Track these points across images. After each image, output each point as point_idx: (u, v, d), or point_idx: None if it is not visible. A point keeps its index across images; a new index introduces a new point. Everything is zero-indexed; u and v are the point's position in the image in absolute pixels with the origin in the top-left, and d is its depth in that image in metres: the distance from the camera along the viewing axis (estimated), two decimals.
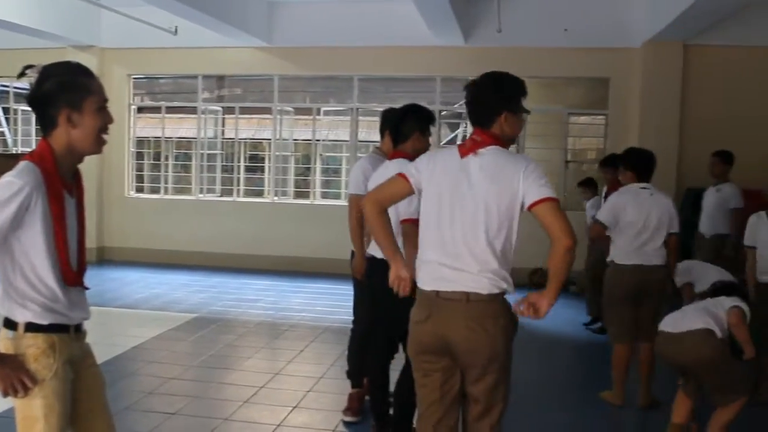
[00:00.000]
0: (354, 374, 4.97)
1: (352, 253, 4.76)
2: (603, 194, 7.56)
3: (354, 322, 5.02)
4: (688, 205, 8.82)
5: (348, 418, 4.81)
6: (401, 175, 3.12)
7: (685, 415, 4.42)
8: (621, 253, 5.23)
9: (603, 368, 5.85)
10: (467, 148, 3.01)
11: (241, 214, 10.94)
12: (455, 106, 11.89)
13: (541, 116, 10.66)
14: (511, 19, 9.65)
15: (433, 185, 3.04)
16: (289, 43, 10.53)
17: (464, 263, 2.95)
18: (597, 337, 7.34)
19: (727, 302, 4.40)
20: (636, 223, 5.15)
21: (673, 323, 4.43)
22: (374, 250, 4.16)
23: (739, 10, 8.56)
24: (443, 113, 10.77)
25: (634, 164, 5.35)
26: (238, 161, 11.50)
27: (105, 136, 2.51)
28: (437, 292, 2.97)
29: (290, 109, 11.61)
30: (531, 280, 9.80)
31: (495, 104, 3.00)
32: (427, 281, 3.02)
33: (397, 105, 4.67)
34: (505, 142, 3.05)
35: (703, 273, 5.74)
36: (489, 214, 2.93)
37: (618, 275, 5.23)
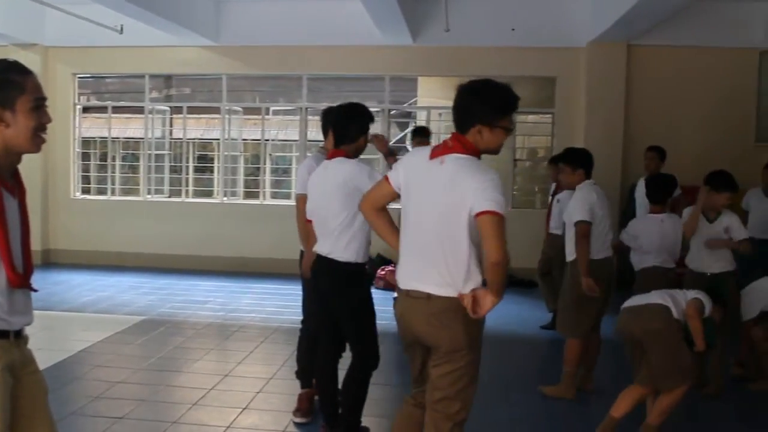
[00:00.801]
0: (303, 374, 4.96)
1: (302, 252, 4.76)
2: (551, 192, 7.69)
3: (303, 321, 5.02)
4: (633, 199, 9.00)
5: (298, 419, 4.80)
6: (386, 177, 3.29)
7: (624, 411, 4.52)
8: (595, 249, 5.37)
9: (553, 364, 5.95)
10: (438, 152, 3.09)
11: (190, 215, 10.83)
12: (404, 105, 11.97)
13: None
14: (459, 19, 9.72)
15: (404, 186, 3.19)
16: (237, 41, 10.46)
17: (426, 265, 3.08)
18: (549, 334, 7.45)
19: (690, 294, 4.60)
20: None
21: (636, 300, 4.72)
22: (320, 248, 4.20)
23: (678, 12, 8.79)
24: (392, 112, 10.80)
25: (584, 162, 5.52)
26: (187, 162, 11.36)
27: (44, 136, 2.46)
28: (407, 291, 3.16)
29: (239, 108, 11.52)
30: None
31: (471, 113, 3.05)
32: (400, 280, 3.22)
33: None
34: (479, 152, 3.08)
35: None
36: (445, 222, 3.02)
37: (596, 271, 5.33)
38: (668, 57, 9.86)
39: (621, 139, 9.58)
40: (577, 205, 5.39)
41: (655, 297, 4.62)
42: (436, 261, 3.06)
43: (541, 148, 11.10)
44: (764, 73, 9.81)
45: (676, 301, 4.54)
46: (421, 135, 8.47)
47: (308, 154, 10.09)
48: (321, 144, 5.03)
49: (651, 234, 5.61)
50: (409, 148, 12.61)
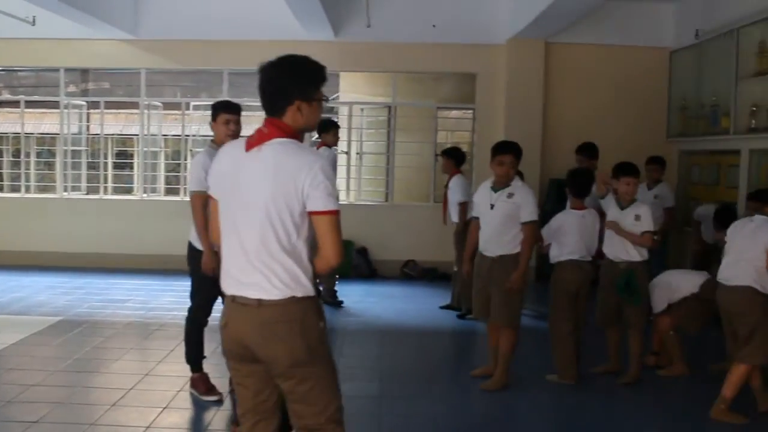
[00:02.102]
0: (193, 360, 5.23)
1: (192, 248, 4.98)
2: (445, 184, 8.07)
3: (192, 312, 5.18)
4: (553, 194, 9.25)
5: (212, 398, 5.05)
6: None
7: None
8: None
9: (473, 356, 6.06)
10: (253, 141, 2.82)
11: (108, 212, 10.58)
12: (328, 100, 11.94)
13: (411, 111, 10.88)
14: (381, 14, 9.78)
15: (218, 186, 2.93)
16: (155, 35, 10.26)
17: (254, 267, 2.78)
18: (467, 325, 7.58)
19: None
20: None
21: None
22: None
23: (594, 11, 9.04)
24: None
25: (519, 157, 5.63)
26: (105, 158, 11.10)
27: None
28: (233, 297, 2.85)
29: (159, 103, 11.31)
30: (402, 272, 10.01)
31: (288, 91, 2.81)
32: (225, 285, 2.90)
33: None
34: (298, 133, 2.85)
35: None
36: (272, 216, 2.74)
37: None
38: (585, 54, 10.14)
39: (540, 135, 9.79)
40: (532, 201, 5.54)
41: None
42: (264, 262, 2.77)
43: (463, 143, 11.24)
44: (675, 71, 10.17)
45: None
46: (335, 127, 8.46)
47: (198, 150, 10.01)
48: (212, 138, 5.00)
49: (572, 228, 5.75)
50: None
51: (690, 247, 8.54)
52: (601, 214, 5.96)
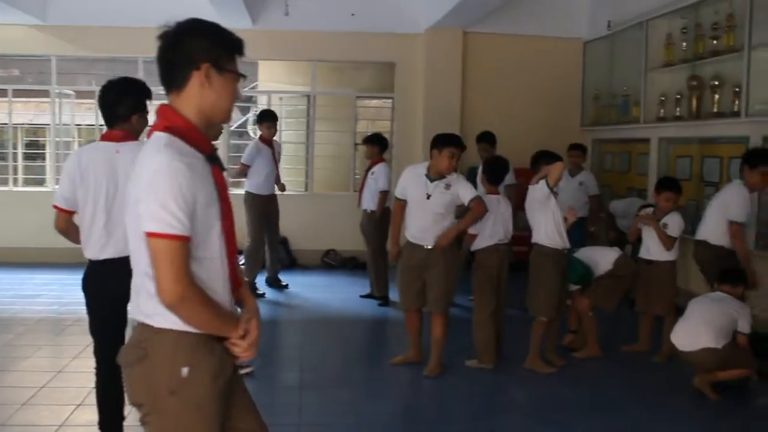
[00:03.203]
0: None
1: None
2: (366, 169, 8.14)
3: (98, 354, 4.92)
4: (471, 182, 9.31)
5: None
6: None
7: None
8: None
9: (393, 344, 6.10)
10: (148, 134, 2.38)
11: (19, 205, 10.20)
12: (245, 89, 11.79)
13: (330, 100, 10.86)
14: (299, 3, 9.71)
15: None
16: (66, 21, 9.91)
17: (133, 284, 2.33)
18: (388, 313, 7.64)
19: None
20: None
21: None
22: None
23: (510, 1, 9.18)
24: None
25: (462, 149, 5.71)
26: (15, 148, 10.71)
27: None
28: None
29: (71, 92, 10.97)
30: (323, 261, 10.00)
31: (193, 55, 2.26)
32: None
33: None
34: (194, 123, 2.30)
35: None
36: (131, 228, 2.27)
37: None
38: (502, 44, 10.28)
39: (458, 124, 9.88)
40: (471, 187, 5.63)
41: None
42: (136, 279, 2.31)
43: (384, 132, 11.25)
44: (588, 62, 10.43)
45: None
46: (270, 119, 8.40)
47: (146, 140, 9.79)
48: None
49: (490, 214, 5.85)
50: (252, 133, 12.53)
51: (606, 234, 8.79)
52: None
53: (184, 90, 2.26)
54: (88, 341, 6.18)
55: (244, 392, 2.53)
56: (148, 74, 10.30)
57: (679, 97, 8.15)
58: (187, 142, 2.25)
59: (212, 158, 2.32)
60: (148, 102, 3.97)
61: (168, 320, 2.21)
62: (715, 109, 7.50)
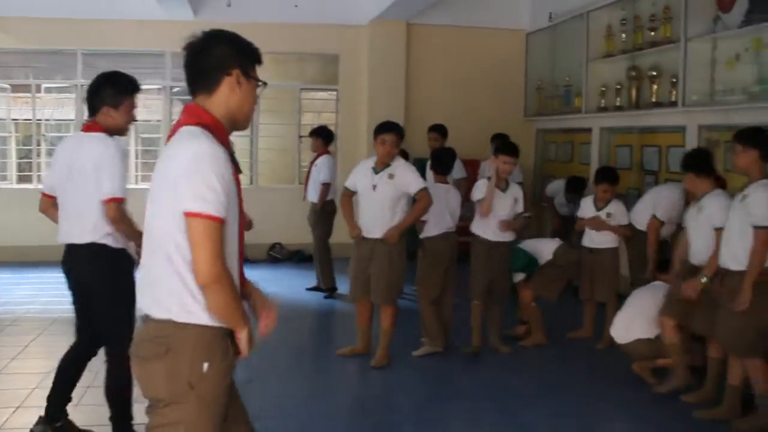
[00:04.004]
0: None
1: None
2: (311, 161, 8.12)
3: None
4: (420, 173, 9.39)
5: None
6: None
7: None
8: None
9: (341, 336, 6.09)
10: (171, 132, 2.47)
11: None
12: (266, 85, 11.65)
13: (274, 92, 10.72)
14: None
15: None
16: (2, 12, 9.62)
17: (147, 278, 2.42)
18: (334, 305, 7.63)
19: None
20: None
21: None
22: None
23: None
24: (175, 90, 10.47)
25: (402, 136, 5.71)
26: None
27: None
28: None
29: (7, 86, 10.67)
30: (269, 254, 9.92)
31: (224, 63, 2.42)
32: None
33: None
34: (220, 122, 2.42)
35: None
36: (157, 220, 2.36)
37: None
38: (445, 36, 10.32)
39: (402, 116, 9.87)
40: (418, 176, 5.64)
41: None
42: (152, 273, 2.38)
43: (329, 124, 11.21)
44: (531, 53, 10.53)
45: None
46: None
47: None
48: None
49: (439, 202, 5.88)
50: None
51: (549, 221, 8.91)
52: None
53: (215, 93, 2.41)
54: (27, 341, 6.12)
55: (237, 397, 2.62)
56: (88, 67, 10.11)
57: (619, 87, 8.28)
58: (215, 139, 2.36)
59: (233, 158, 2.41)
60: (131, 96, 3.96)
61: (192, 315, 2.31)
62: (654, 99, 7.65)
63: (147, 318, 2.40)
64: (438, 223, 5.96)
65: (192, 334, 2.32)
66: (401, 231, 5.53)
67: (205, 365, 2.33)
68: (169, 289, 2.32)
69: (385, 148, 5.54)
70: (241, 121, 2.49)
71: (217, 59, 2.41)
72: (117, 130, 3.95)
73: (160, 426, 2.36)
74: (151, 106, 11.54)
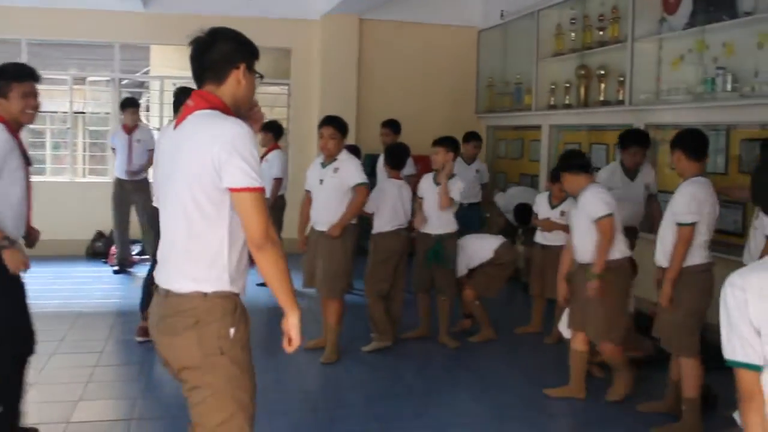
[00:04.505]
0: None
1: None
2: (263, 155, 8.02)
3: None
4: (367, 169, 9.36)
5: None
6: None
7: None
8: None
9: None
10: (180, 117, 2.63)
11: None
12: (137, 74, 11.50)
13: None
14: None
15: (156, 171, 2.76)
16: None
17: (170, 255, 2.61)
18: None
19: None
20: None
21: None
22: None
23: None
24: (124, 82, 10.33)
25: (342, 130, 5.75)
26: None
27: None
28: (156, 286, 2.68)
29: None
30: (87, 252, 9.65)
31: (230, 57, 2.65)
32: (156, 273, 2.72)
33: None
34: (228, 107, 2.62)
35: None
36: (185, 196, 2.52)
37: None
38: (398, 32, 10.34)
39: (354, 111, 9.88)
40: (360, 171, 5.66)
41: None
42: (177, 247, 2.57)
43: (283, 119, 11.17)
44: (482, 50, 10.61)
45: None
46: (132, 105, 8.48)
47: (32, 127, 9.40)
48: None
49: (393, 198, 5.94)
50: (145, 119, 12.17)
51: (495, 221, 9.00)
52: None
53: (224, 84, 2.63)
54: None
55: None
56: (33, 56, 9.89)
57: (568, 85, 8.41)
58: None
59: None
60: (20, 83, 3.74)
61: (216, 284, 2.54)
62: (602, 98, 7.78)
63: (167, 293, 2.58)
64: (391, 219, 5.99)
65: (218, 304, 2.54)
66: (342, 225, 5.58)
67: (232, 330, 2.56)
68: (195, 261, 2.53)
69: (323, 141, 5.66)
70: (244, 108, 2.72)
71: (225, 54, 2.62)
72: (13, 121, 3.73)
73: (197, 388, 2.56)
74: (100, 98, 11.39)
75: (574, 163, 5.05)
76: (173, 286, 2.57)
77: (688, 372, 4.47)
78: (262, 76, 2.78)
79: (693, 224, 4.33)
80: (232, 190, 2.46)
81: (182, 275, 2.55)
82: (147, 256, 8.82)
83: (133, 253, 9.05)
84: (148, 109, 12.05)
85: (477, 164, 8.54)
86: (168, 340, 2.58)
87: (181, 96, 4.89)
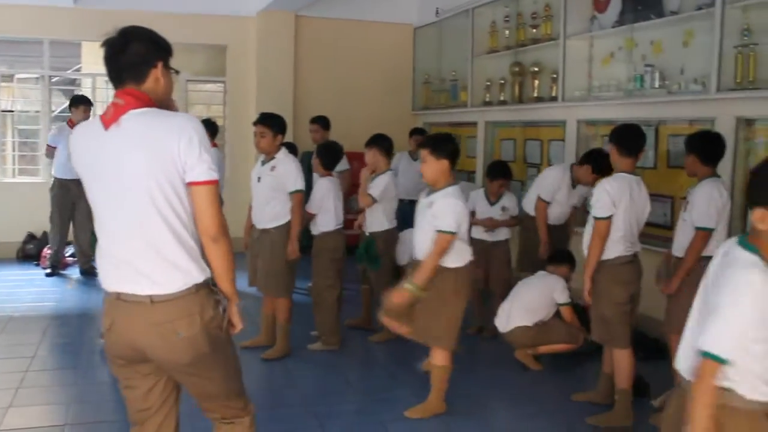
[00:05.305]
0: None
1: None
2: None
3: None
4: (304, 167, 9.34)
5: None
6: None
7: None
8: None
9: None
10: (109, 117, 2.57)
11: None
12: (68, 72, 11.24)
13: None
14: None
15: (81, 171, 2.67)
16: None
17: (142, 259, 2.57)
18: None
19: None
20: None
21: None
22: None
23: None
24: (54, 80, 10.08)
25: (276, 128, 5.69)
26: None
27: None
28: (118, 294, 2.61)
29: None
30: (18, 255, 9.42)
31: (147, 58, 2.61)
32: (107, 282, 2.66)
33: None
34: (155, 104, 2.63)
35: None
36: (154, 195, 2.52)
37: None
38: (334, 29, 10.32)
39: (291, 108, 9.82)
40: (298, 175, 5.62)
41: None
42: (154, 251, 2.57)
43: (219, 117, 11.05)
44: (418, 47, 10.67)
45: None
46: (84, 102, 8.26)
47: None
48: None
49: (332, 197, 5.93)
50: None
51: None
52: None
53: (144, 83, 2.61)
54: None
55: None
56: None
57: (503, 82, 8.52)
58: None
59: None
60: None
61: (202, 274, 2.63)
62: (536, 94, 7.91)
63: (152, 299, 2.57)
64: (333, 218, 5.96)
65: (204, 291, 2.64)
66: (295, 241, 5.60)
67: (221, 308, 2.70)
68: (179, 258, 2.58)
69: (255, 138, 5.65)
70: (165, 105, 2.70)
71: (141, 55, 2.60)
72: None
73: (206, 371, 2.71)
74: (30, 96, 11.10)
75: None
76: (158, 290, 2.57)
77: (619, 363, 4.58)
78: (177, 72, 2.77)
79: (608, 218, 4.43)
80: (194, 183, 2.54)
81: (168, 276, 2.58)
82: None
83: (66, 255, 8.85)
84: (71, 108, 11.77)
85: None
86: (168, 344, 2.59)
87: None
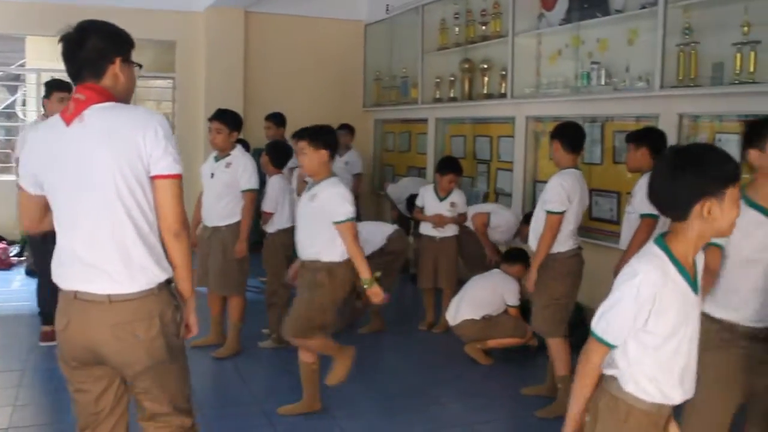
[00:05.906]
0: None
1: None
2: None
3: None
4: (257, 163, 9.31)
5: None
6: (19, 186, 2.64)
7: None
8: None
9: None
10: (71, 113, 2.52)
11: None
12: (11, 67, 10.99)
13: None
14: None
15: (37, 170, 2.57)
16: None
17: (103, 256, 2.50)
18: None
19: None
20: None
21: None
22: None
23: None
24: None
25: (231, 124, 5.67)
26: None
27: None
28: (75, 293, 2.53)
29: None
30: None
31: (105, 51, 2.56)
32: (62, 280, 2.59)
33: None
34: (117, 99, 2.59)
35: None
36: (119, 190, 2.47)
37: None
38: (284, 25, 10.26)
39: (241, 105, 9.72)
40: (253, 174, 5.61)
41: None
42: (115, 248, 2.49)
43: (167, 113, 10.92)
44: (369, 44, 10.67)
45: None
46: (61, 89, 7.93)
47: None
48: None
49: (285, 194, 5.94)
50: (21, 114, 11.68)
51: (387, 213, 9.09)
52: None
53: (102, 79, 2.56)
54: None
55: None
56: None
57: (453, 79, 8.56)
58: None
59: None
60: None
61: (164, 273, 2.58)
62: (485, 91, 7.97)
63: (110, 298, 2.49)
64: (288, 216, 5.93)
65: (166, 293, 2.61)
66: (244, 240, 5.56)
67: (178, 315, 2.65)
68: (145, 256, 2.52)
69: (210, 134, 5.61)
70: (127, 100, 2.68)
71: (99, 50, 2.55)
72: None
73: (161, 376, 2.62)
74: None
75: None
76: (118, 289, 2.50)
77: (555, 352, 4.68)
78: (140, 66, 2.72)
79: (561, 213, 4.50)
80: (159, 177, 2.51)
81: (129, 275, 2.51)
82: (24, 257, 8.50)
83: (12, 254, 8.66)
84: (24, 104, 11.54)
85: (348, 155, 8.60)
86: (125, 346, 2.52)
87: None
